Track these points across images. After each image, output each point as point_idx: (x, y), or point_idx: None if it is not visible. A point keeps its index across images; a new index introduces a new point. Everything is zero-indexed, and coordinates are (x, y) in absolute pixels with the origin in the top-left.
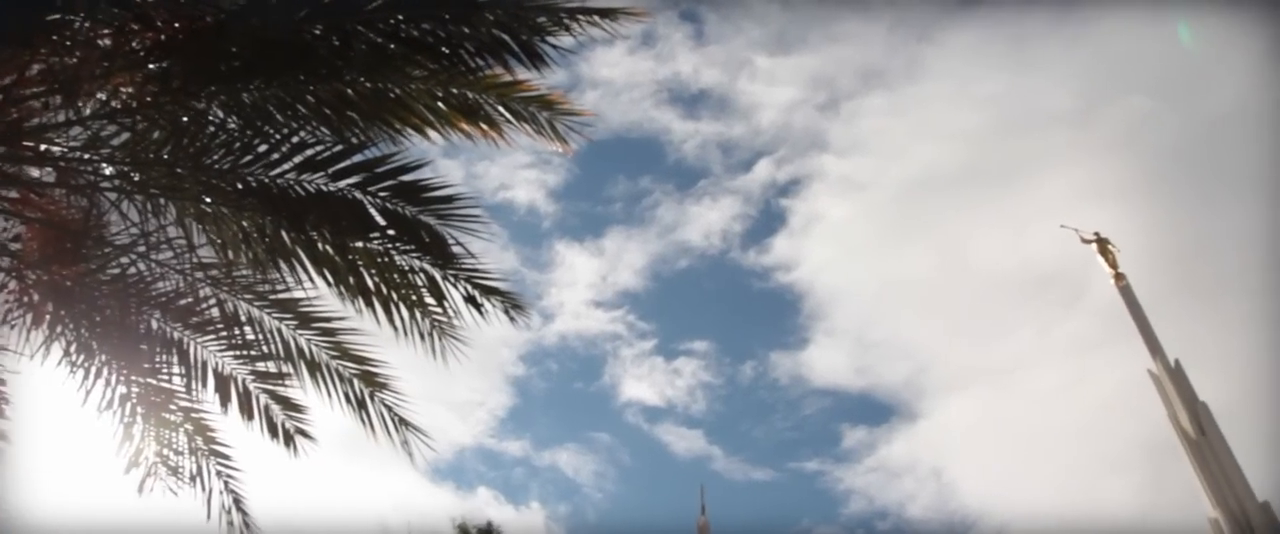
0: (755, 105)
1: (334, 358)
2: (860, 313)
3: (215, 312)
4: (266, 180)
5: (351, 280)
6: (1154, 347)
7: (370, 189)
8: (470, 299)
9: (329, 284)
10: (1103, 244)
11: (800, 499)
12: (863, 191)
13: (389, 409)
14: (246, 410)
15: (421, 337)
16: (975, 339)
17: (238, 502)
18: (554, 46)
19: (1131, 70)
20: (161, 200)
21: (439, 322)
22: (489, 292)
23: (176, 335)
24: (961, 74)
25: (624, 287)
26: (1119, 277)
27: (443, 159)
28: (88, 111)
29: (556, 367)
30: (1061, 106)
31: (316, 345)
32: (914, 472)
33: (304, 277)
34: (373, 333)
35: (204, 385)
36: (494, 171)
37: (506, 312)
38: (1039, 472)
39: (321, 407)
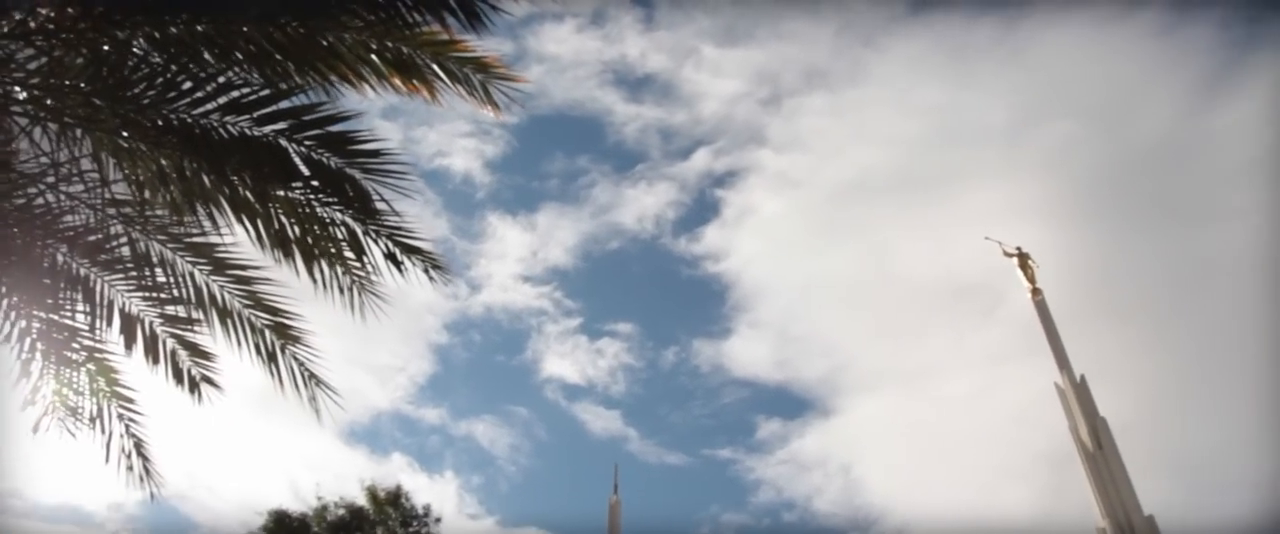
0: (698, 94)
1: (247, 307)
2: (785, 308)
3: (126, 250)
4: (189, 119)
5: (270, 229)
6: (1062, 361)
7: (296, 137)
8: (391, 257)
9: (247, 231)
10: (1023, 259)
11: (711, 486)
12: (797, 189)
13: (300, 364)
14: (152, 354)
15: (340, 292)
16: (893, 342)
17: (139, 446)
18: (494, 8)
19: (1064, 94)
20: (76, 131)
21: (358, 277)
22: (410, 250)
23: (83, 272)
24: (902, 82)
25: (554, 263)
26: (1036, 291)
27: (381, 120)
28: (2, 29)
29: (480, 338)
30: (995, 123)
31: (230, 293)
32: (824, 466)
33: (222, 222)
34: (291, 286)
35: (109, 325)
36: (432, 137)
37: (427, 271)
38: (943, 475)
39: (231, 357)
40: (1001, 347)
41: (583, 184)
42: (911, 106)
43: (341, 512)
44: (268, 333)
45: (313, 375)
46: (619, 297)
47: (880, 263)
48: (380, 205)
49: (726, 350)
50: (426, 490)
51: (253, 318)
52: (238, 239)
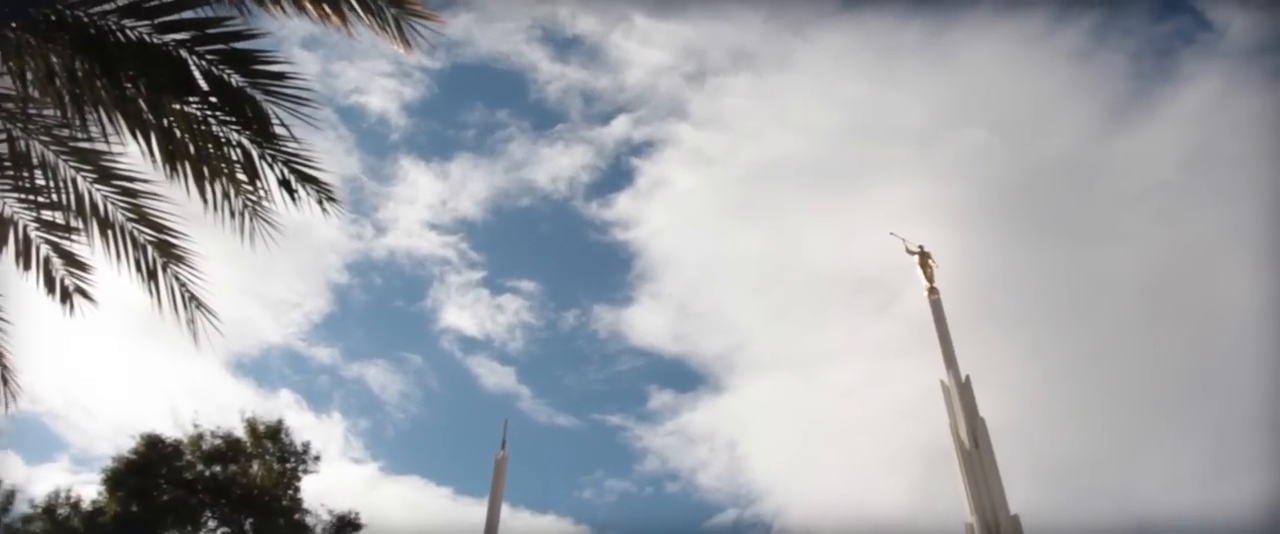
0: (625, 61)
1: (131, 221)
2: (688, 282)
3: (3, 148)
4: (84, 18)
5: (163, 143)
6: (950, 360)
7: (198, 49)
8: (284, 183)
9: (138, 143)
10: (924, 257)
11: (598, 451)
12: (712, 166)
13: (182, 285)
14: (24, 259)
15: (232, 215)
16: (791, 327)
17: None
18: None
19: (982, 103)
20: None
21: (251, 201)
22: (306, 179)
23: None
24: (827, 74)
25: (463, 214)
26: (932, 290)
27: (300, 49)
28: None
29: (381, 281)
30: (912, 123)
31: (114, 204)
32: (711, 441)
33: (112, 130)
34: (181, 206)
35: None
36: (351, 73)
37: (321, 202)
38: (825, 460)
39: (110, 272)
40: (894, 341)
41: (500, 138)
42: (833, 99)
43: (218, 441)
44: (150, 249)
45: (194, 298)
46: (525, 254)
47: (786, 248)
48: (279, 130)
49: (626, 318)
50: (312, 430)
51: (136, 232)
52: (128, 151)
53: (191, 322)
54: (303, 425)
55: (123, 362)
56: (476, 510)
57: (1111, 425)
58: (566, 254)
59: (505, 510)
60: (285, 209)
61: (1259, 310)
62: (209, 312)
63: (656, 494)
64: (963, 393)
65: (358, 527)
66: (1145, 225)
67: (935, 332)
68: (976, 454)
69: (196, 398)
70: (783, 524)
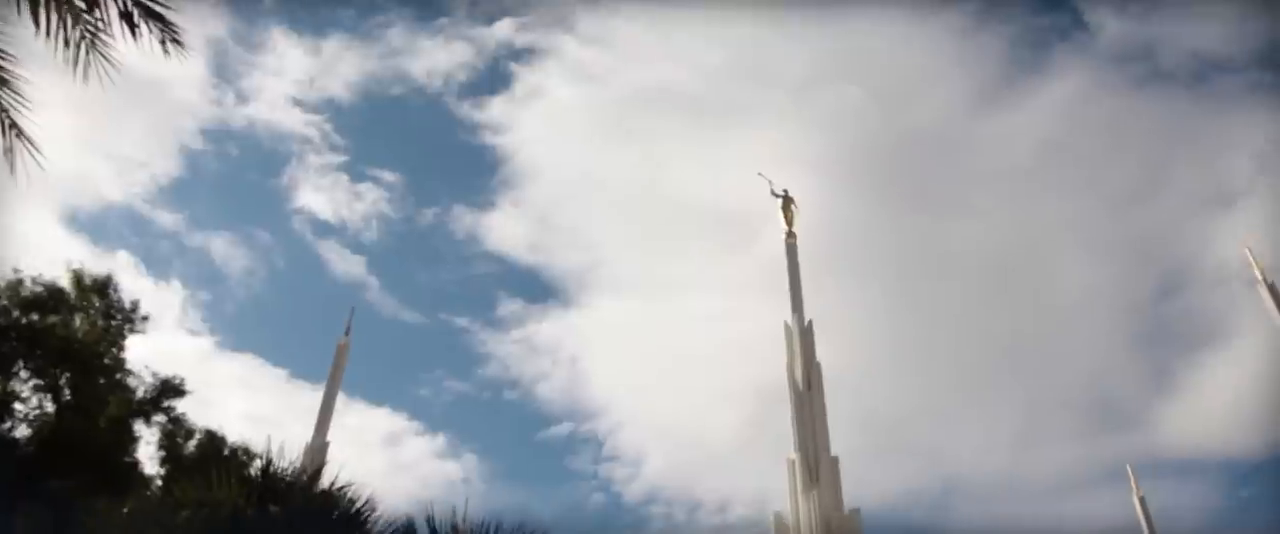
0: None
1: None
2: (552, 195)
3: None
4: None
5: None
6: (797, 304)
7: None
8: (126, 16)
9: None
10: (787, 202)
11: (442, 350)
12: (592, 84)
13: (3, 109)
14: None
15: (67, 44)
16: (648, 253)
17: None
18: None
19: (860, 64)
20: None
21: (90, 31)
22: (151, 14)
23: None
24: (719, 12)
25: (331, 95)
26: (790, 234)
27: None
28: None
29: (237, 151)
30: (792, 72)
31: None
32: (555, 354)
33: None
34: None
35: None
36: None
37: (164, 43)
38: (664, 387)
39: None
40: (745, 280)
41: (379, 22)
42: (721, 37)
43: (39, 289)
44: None
45: (14, 126)
46: (390, 145)
47: (655, 176)
48: None
49: (485, 222)
50: (149, 296)
51: None
52: None
53: (9, 150)
54: (139, 291)
55: None
56: (310, 395)
57: (936, 387)
58: (433, 150)
59: (340, 399)
60: (127, 47)
61: (1083, 301)
62: (31, 143)
63: (494, 400)
64: (804, 336)
65: (182, 392)
66: (995, 205)
67: (787, 275)
68: (808, 396)
69: (27, 250)
70: (614, 443)
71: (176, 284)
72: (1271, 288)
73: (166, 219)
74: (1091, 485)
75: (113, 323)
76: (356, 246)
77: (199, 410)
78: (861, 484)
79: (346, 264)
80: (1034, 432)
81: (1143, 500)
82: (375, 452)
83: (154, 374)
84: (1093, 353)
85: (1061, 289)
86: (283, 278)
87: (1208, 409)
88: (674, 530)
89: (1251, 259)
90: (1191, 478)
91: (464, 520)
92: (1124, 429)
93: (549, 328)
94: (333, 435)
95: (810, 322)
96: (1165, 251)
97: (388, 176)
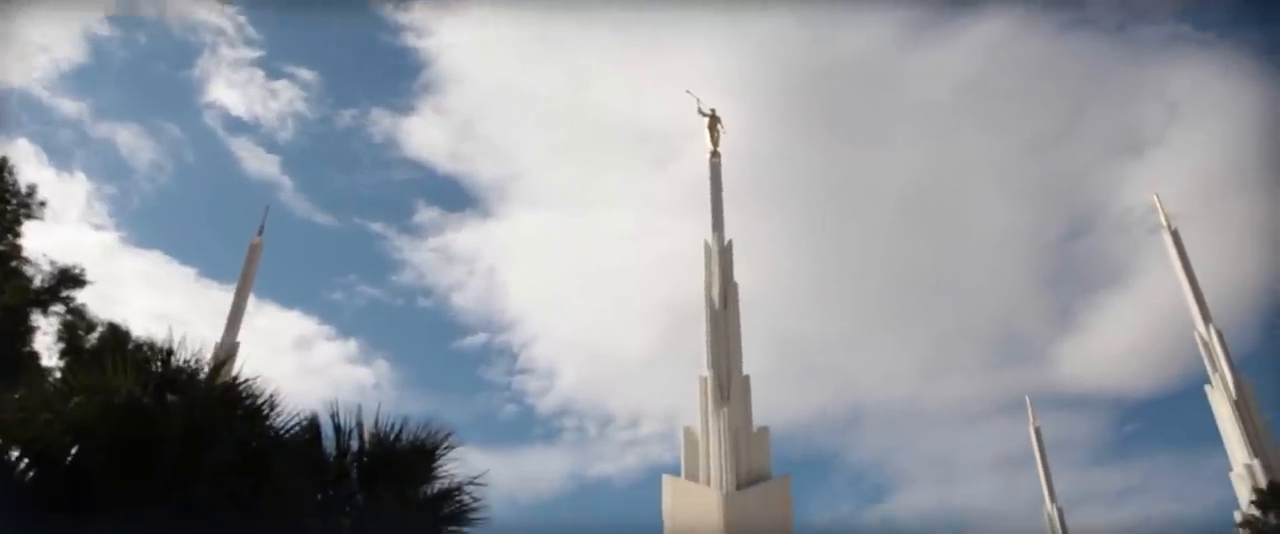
0: None
1: None
2: (475, 103)
3: None
4: None
5: None
6: (718, 222)
7: None
8: None
9: None
10: (714, 121)
11: (355, 255)
12: None
13: None
14: None
15: None
16: (569, 167)
17: None
18: None
19: None
20: None
21: None
22: None
23: None
24: None
25: None
26: (715, 154)
27: None
28: None
29: (145, 39)
30: None
31: None
32: (471, 264)
33: None
34: None
35: None
36: None
37: None
38: (581, 302)
39: None
40: (665, 199)
41: None
42: None
43: None
44: None
45: None
46: (308, 42)
47: (580, 88)
48: None
49: (405, 127)
50: (51, 187)
51: None
52: None
53: None
54: (42, 180)
55: None
56: (219, 295)
57: (848, 313)
58: (354, 51)
59: (250, 300)
60: None
61: (995, 238)
62: None
63: (408, 307)
64: (723, 256)
65: (82, 282)
66: (916, 139)
67: (709, 195)
68: (724, 314)
69: None
70: (528, 355)
71: (81, 175)
72: (1175, 235)
73: (69, 107)
74: (991, 415)
75: (7, 207)
76: (271, 146)
77: (103, 307)
78: (771, 405)
79: (260, 163)
80: (940, 362)
81: (1038, 431)
82: (285, 355)
83: (52, 263)
84: (1000, 289)
85: (975, 225)
86: (192, 174)
87: (1105, 348)
88: (585, 443)
89: (1159, 206)
90: (1084, 412)
91: (372, 420)
92: (1025, 363)
93: (466, 237)
94: (242, 337)
95: (730, 241)
96: (1076, 194)
97: (305, 75)
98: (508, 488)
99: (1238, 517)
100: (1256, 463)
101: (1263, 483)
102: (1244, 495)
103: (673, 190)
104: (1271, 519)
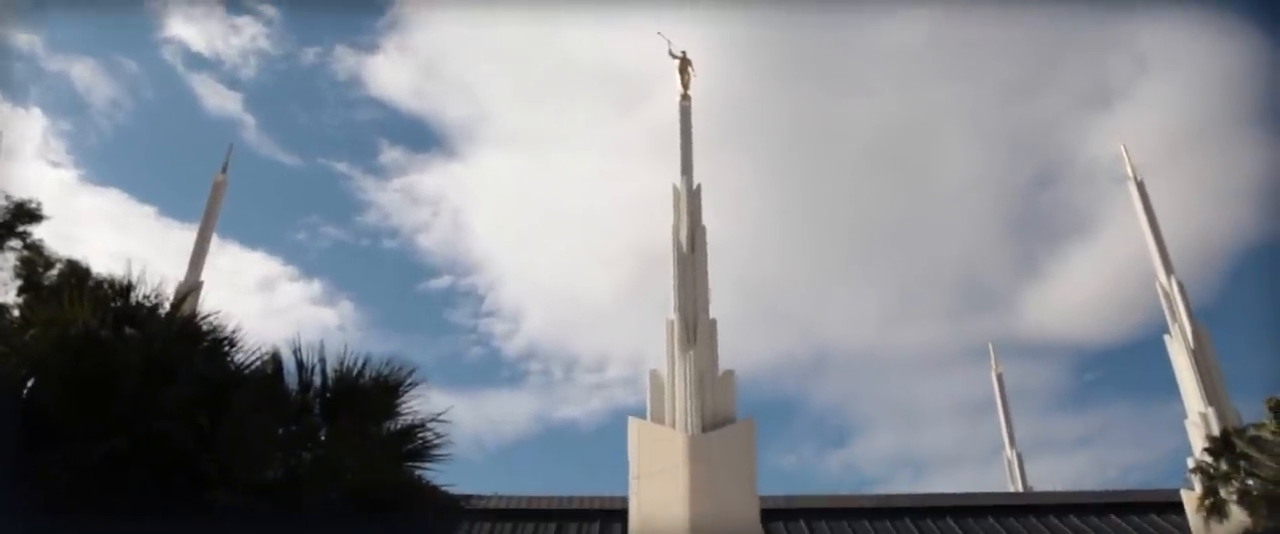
0: None
1: None
2: (441, 43)
3: None
4: None
5: None
6: (687, 166)
7: None
8: None
9: None
10: (685, 63)
11: (318, 195)
12: None
13: None
14: None
15: None
16: (537, 108)
17: None
18: None
19: None
20: None
21: None
22: None
23: None
24: None
25: None
26: (685, 97)
27: None
28: None
29: None
30: None
31: None
32: (437, 205)
33: None
34: None
35: None
36: None
37: None
38: (547, 244)
39: None
40: (633, 142)
41: None
42: None
43: None
44: None
45: None
46: None
47: (546, 29)
48: None
49: (371, 66)
50: (4, 121)
51: None
52: None
53: None
54: None
55: None
56: (180, 234)
57: (814, 259)
58: None
59: (212, 240)
60: None
61: (962, 185)
62: None
63: (372, 248)
64: (691, 199)
65: (39, 217)
66: (885, 85)
67: (679, 137)
68: (691, 258)
69: None
70: (495, 298)
71: (37, 111)
72: (1140, 186)
73: (20, 39)
74: (954, 362)
75: None
76: (232, 82)
77: (62, 246)
78: (737, 349)
79: (221, 100)
80: (904, 308)
81: (1000, 377)
82: (249, 296)
83: (8, 197)
84: (966, 237)
85: (942, 173)
86: (152, 111)
87: (1068, 297)
88: (551, 386)
89: (1126, 156)
90: (1045, 360)
91: (336, 357)
92: (989, 311)
93: (432, 179)
94: (206, 277)
95: (699, 185)
96: (1044, 145)
97: (268, 10)
98: (473, 430)
99: (1190, 463)
100: (1211, 411)
101: (1216, 430)
102: (1198, 443)
103: (641, 134)
104: (1222, 465)
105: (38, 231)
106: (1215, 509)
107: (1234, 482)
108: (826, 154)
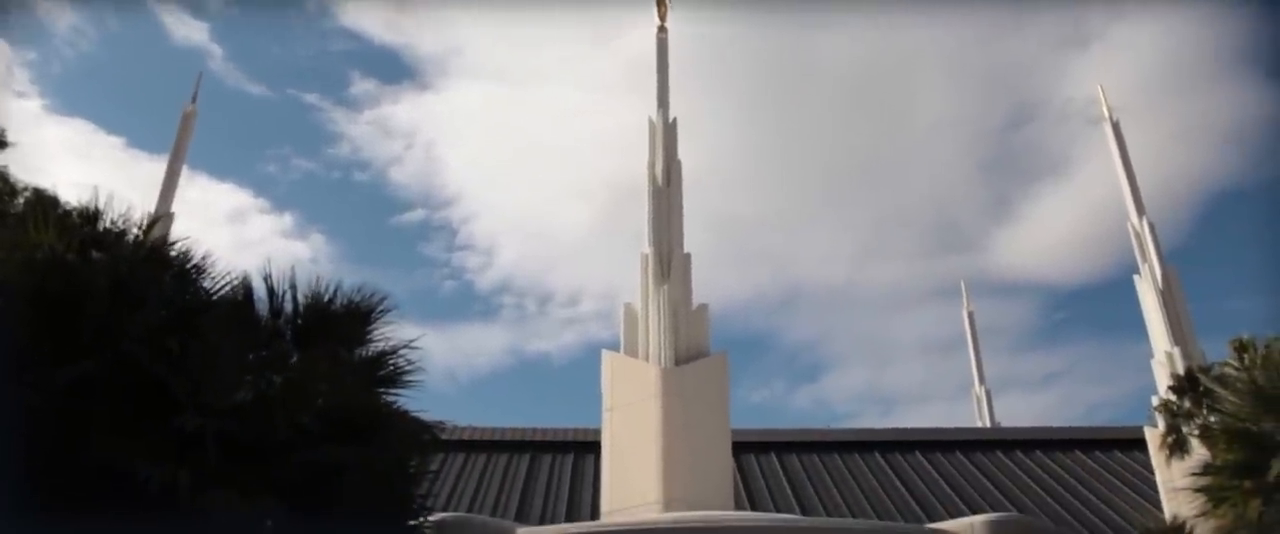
0: None
1: None
2: None
3: None
4: None
5: None
6: (663, 99)
7: None
8: None
9: None
10: None
11: (288, 127)
12: None
13: None
14: None
15: None
16: (511, 41)
17: None
18: None
19: None
20: None
21: None
22: None
23: None
24: None
25: None
26: (662, 28)
27: None
28: None
29: None
30: None
31: None
32: (409, 138)
33: None
34: None
35: None
36: None
37: None
38: (521, 178)
39: None
40: (610, 74)
41: None
42: None
43: None
44: None
45: None
46: None
47: None
48: None
49: None
50: None
51: None
52: None
53: None
54: None
55: None
56: (149, 166)
57: (788, 195)
58: None
59: (182, 172)
60: None
61: (936, 124)
62: None
63: (344, 181)
64: (667, 133)
65: (4, 143)
66: (863, 22)
67: (655, 70)
68: (666, 192)
69: None
70: (468, 232)
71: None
72: (1115, 126)
73: None
74: (925, 300)
75: None
76: (197, 9)
77: (29, 177)
78: (710, 284)
79: (187, 29)
80: (877, 246)
81: (971, 315)
82: (220, 227)
83: None
84: (940, 176)
85: (918, 112)
86: (117, 40)
87: (1040, 237)
88: (525, 320)
89: (1102, 97)
90: (1015, 299)
91: (306, 284)
92: (961, 250)
93: (404, 110)
94: (176, 209)
95: (675, 119)
96: (1020, 83)
97: None
98: (446, 363)
99: (1155, 401)
100: (1177, 351)
101: (1181, 370)
102: (1163, 382)
103: (617, 67)
104: (1186, 403)
105: (2, 159)
106: (1177, 446)
107: (1197, 419)
108: (802, 91)
